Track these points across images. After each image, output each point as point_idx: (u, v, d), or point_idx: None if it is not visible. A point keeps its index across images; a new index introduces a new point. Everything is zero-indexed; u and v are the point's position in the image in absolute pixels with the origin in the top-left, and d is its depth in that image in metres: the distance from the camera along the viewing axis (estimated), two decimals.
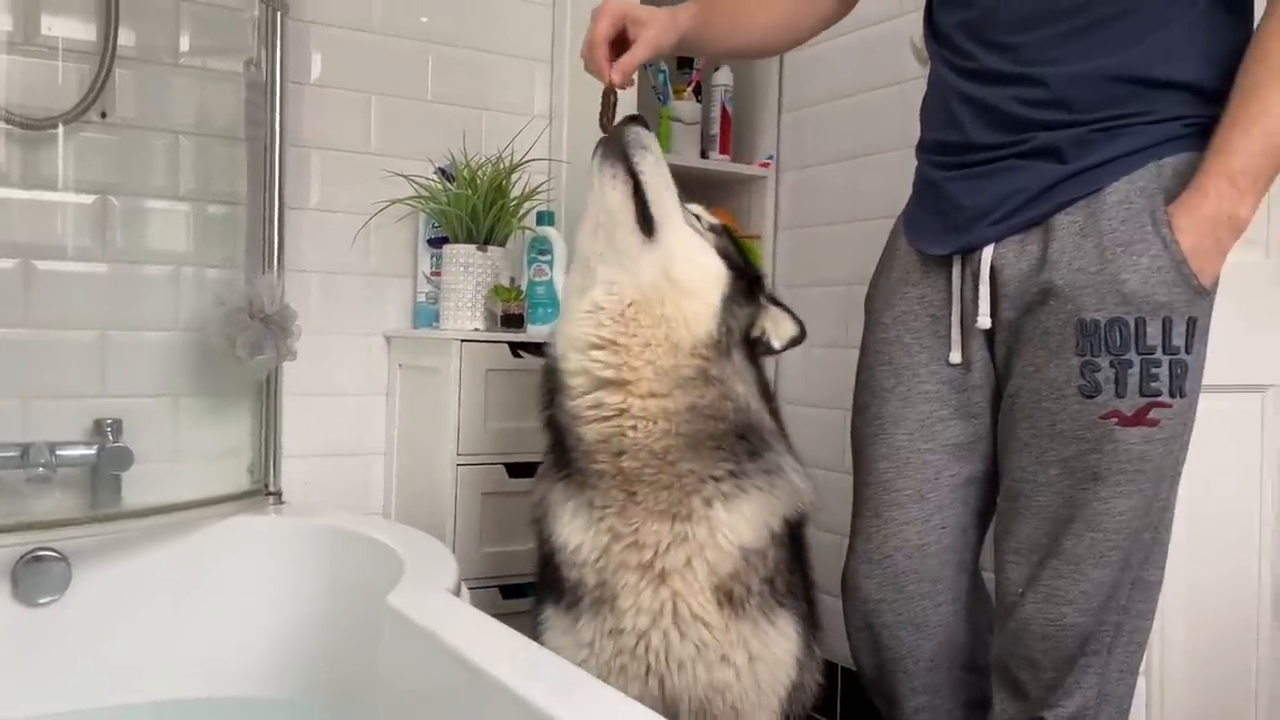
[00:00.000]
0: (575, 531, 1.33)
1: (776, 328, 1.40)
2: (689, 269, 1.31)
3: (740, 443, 1.31)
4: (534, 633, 1.41)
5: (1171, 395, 1.15)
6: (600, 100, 1.38)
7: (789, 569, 1.37)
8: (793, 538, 1.38)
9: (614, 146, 1.32)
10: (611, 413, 1.28)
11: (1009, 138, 1.21)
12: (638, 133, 1.33)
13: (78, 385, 1.83)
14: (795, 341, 1.41)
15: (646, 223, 1.30)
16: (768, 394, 1.41)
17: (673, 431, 1.27)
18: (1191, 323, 1.14)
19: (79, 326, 1.85)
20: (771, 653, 1.33)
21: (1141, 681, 1.65)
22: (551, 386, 1.37)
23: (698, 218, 1.39)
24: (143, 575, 1.70)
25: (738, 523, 1.30)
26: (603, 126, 1.38)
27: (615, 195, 1.30)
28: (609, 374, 1.28)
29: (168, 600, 1.71)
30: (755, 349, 1.39)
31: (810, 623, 1.41)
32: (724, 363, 1.31)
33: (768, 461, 1.33)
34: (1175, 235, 1.13)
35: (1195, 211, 1.12)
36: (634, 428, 1.27)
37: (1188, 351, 1.14)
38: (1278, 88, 1.08)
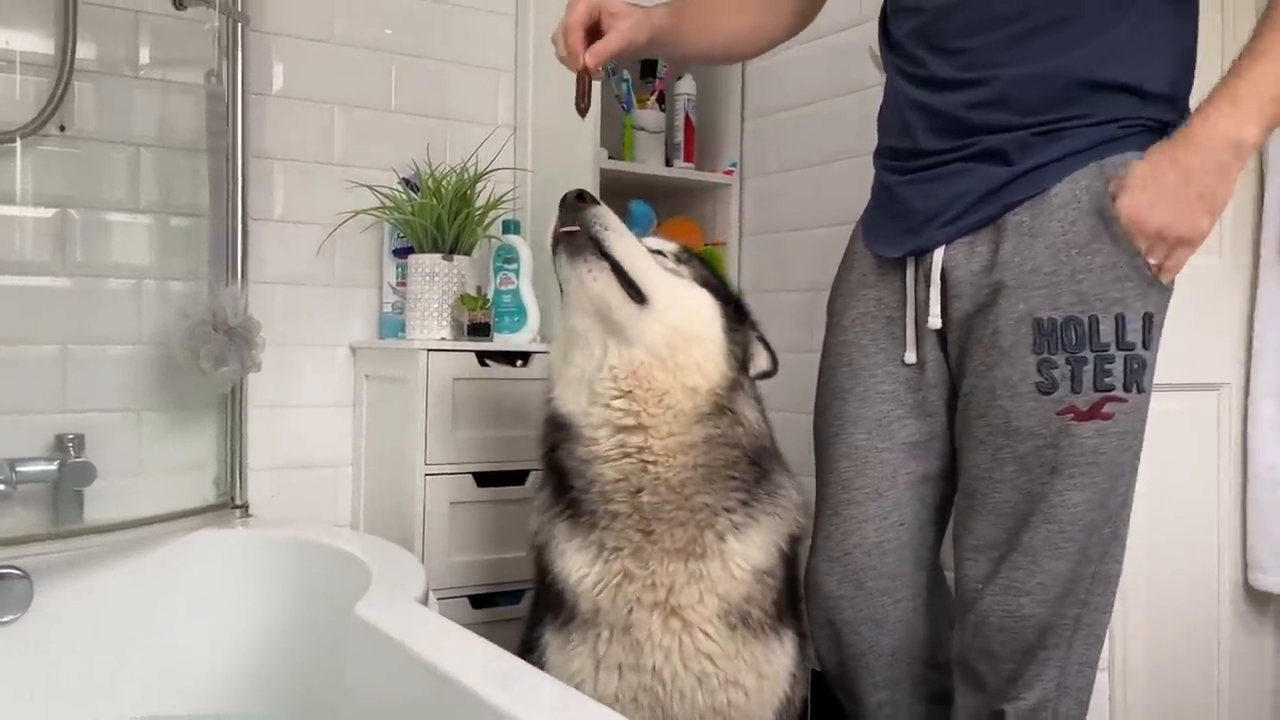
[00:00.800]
0: (581, 567, 1.35)
1: (754, 358, 1.42)
2: (686, 316, 1.33)
3: (752, 468, 1.35)
4: (530, 652, 1.43)
5: (1126, 390, 1.17)
6: (575, 85, 1.40)
7: (792, 585, 1.41)
8: (790, 557, 1.41)
9: (580, 240, 1.30)
10: (633, 451, 1.31)
11: (956, 142, 1.23)
12: (595, 214, 1.31)
13: (38, 400, 1.81)
14: (766, 375, 1.43)
15: (635, 294, 1.30)
16: (766, 414, 1.44)
17: (691, 464, 1.31)
18: (1147, 318, 1.16)
19: (40, 341, 1.83)
20: (775, 670, 1.37)
21: (1104, 676, 1.67)
22: (556, 437, 1.39)
23: (662, 254, 1.40)
24: (108, 591, 1.68)
25: (750, 550, 1.33)
26: (579, 109, 1.39)
27: (599, 285, 1.29)
28: (629, 420, 1.31)
29: (134, 616, 1.69)
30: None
31: (803, 636, 1.45)
32: (736, 392, 1.35)
33: (773, 483, 1.38)
34: (1120, 221, 1.13)
35: (1193, 136, 1.10)
36: (655, 464, 1.30)
37: (1144, 346, 1.16)
38: None
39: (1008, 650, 1.23)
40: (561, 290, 1.37)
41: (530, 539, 1.46)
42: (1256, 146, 1.08)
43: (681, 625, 1.31)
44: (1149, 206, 1.10)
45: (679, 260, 1.40)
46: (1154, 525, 1.76)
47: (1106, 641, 1.65)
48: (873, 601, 1.34)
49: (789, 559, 1.40)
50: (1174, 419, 1.78)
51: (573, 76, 1.41)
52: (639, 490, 1.30)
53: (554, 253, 1.32)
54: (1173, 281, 1.19)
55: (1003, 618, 1.23)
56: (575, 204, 1.31)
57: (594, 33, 1.39)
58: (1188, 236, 1.11)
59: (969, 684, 1.28)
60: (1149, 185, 1.11)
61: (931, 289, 1.27)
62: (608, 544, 1.33)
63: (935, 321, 1.27)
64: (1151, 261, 1.14)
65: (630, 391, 1.30)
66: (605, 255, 1.29)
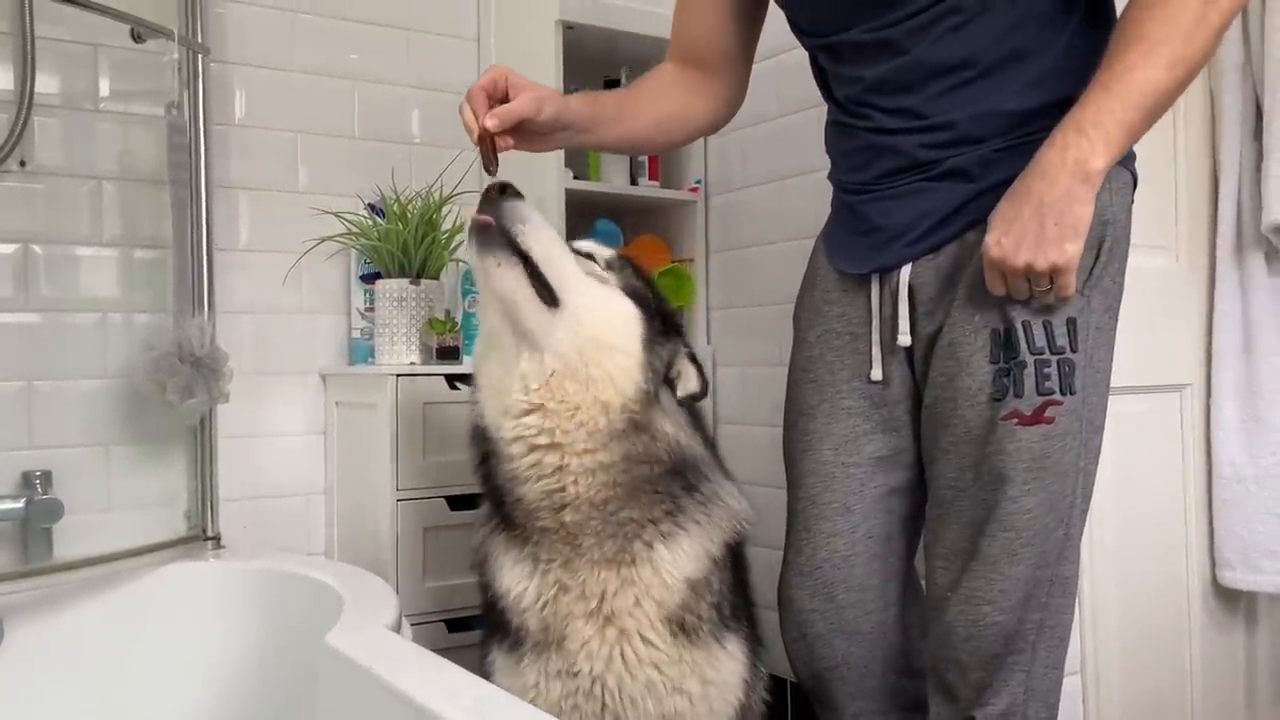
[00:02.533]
0: (520, 581, 1.37)
1: (683, 378, 1.40)
2: (602, 324, 1.31)
3: (676, 479, 1.35)
4: (483, 674, 1.42)
5: (1062, 393, 1.18)
6: (479, 149, 1.33)
7: (733, 591, 1.41)
8: (734, 559, 1.42)
9: (491, 231, 1.28)
10: (550, 471, 1.31)
11: (916, 169, 1.26)
12: (513, 206, 1.29)
13: (3, 437, 1.80)
14: (695, 398, 1.40)
15: (548, 294, 1.29)
16: (698, 424, 1.43)
17: (611, 483, 1.31)
18: (1070, 323, 1.18)
19: (4, 378, 1.82)
20: (722, 676, 1.37)
21: (1076, 678, 1.69)
22: (484, 448, 1.39)
23: (591, 257, 1.38)
24: (79, 629, 1.67)
25: (679, 558, 1.34)
26: (486, 169, 1.33)
27: (508, 280, 1.28)
28: (543, 439, 1.30)
29: (106, 652, 1.68)
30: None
31: (754, 641, 1.45)
32: (653, 408, 1.33)
33: (703, 493, 1.37)
34: (992, 215, 1.15)
35: (1042, 162, 1.12)
36: (574, 483, 1.30)
37: (1073, 350, 1.18)
38: (1138, 52, 1.10)
39: (975, 659, 1.24)
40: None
41: (472, 556, 1.47)
42: (1104, 173, 1.11)
43: (619, 634, 1.33)
44: (1012, 248, 1.13)
45: (609, 267, 1.38)
46: (1122, 526, 1.78)
47: (1077, 643, 1.67)
48: (844, 614, 1.35)
49: (734, 564, 1.40)
50: (1138, 421, 1.80)
51: None
52: (562, 507, 1.31)
53: (468, 243, 1.31)
54: (1102, 287, 1.21)
55: (968, 627, 1.24)
56: (494, 196, 1.29)
57: (503, 103, 1.32)
58: (1059, 265, 1.13)
59: (940, 693, 1.29)
60: (1010, 226, 1.13)
61: (900, 306, 1.28)
62: (541, 557, 1.34)
63: (905, 339, 1.29)
64: (1037, 290, 1.15)
65: (542, 405, 1.29)
66: (518, 251, 1.28)
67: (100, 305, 1.93)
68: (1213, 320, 1.91)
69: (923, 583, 1.38)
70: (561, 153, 2.10)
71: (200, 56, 1.94)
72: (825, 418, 1.36)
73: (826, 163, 1.43)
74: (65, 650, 1.65)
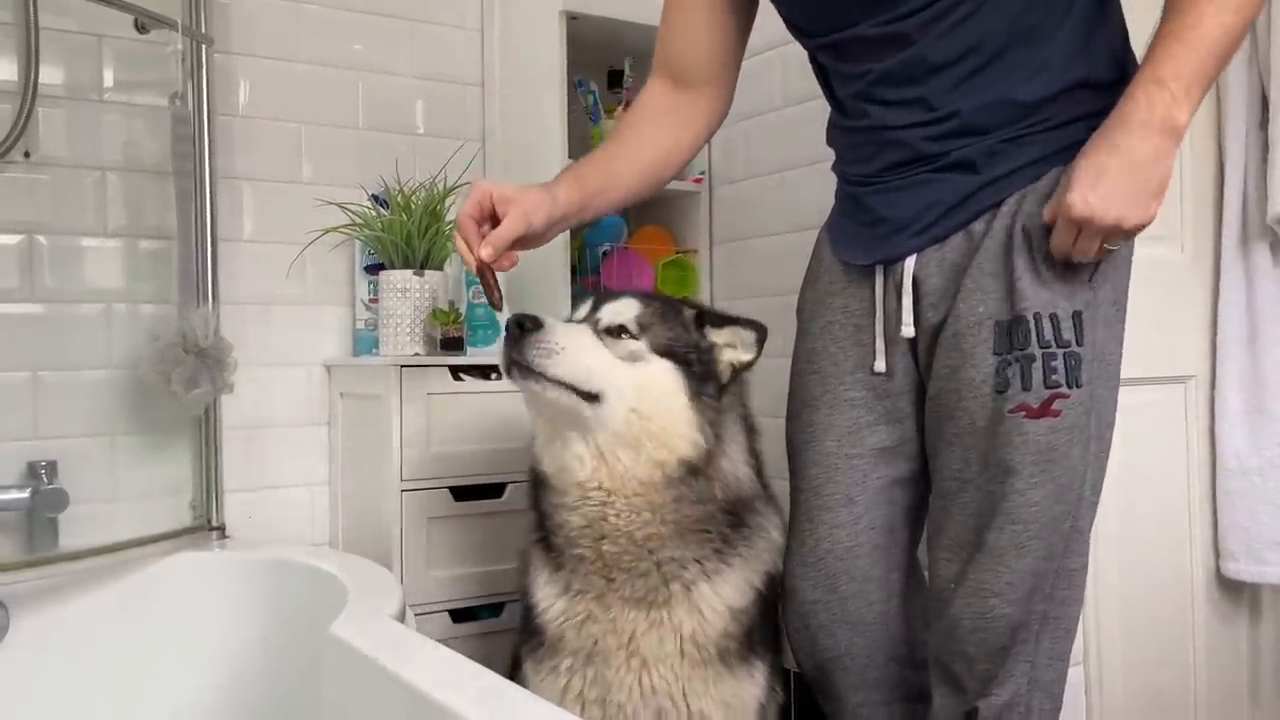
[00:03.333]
0: (551, 600, 1.40)
1: (737, 347, 1.42)
2: (644, 398, 1.33)
3: (727, 518, 1.37)
4: (517, 669, 1.48)
5: (1069, 386, 1.18)
6: (480, 281, 1.36)
7: (765, 620, 1.42)
8: (770, 586, 1.43)
9: (525, 371, 1.31)
10: (596, 504, 1.34)
11: (922, 161, 1.25)
12: (535, 342, 1.31)
13: (9, 428, 1.81)
14: (760, 342, 1.43)
15: (590, 397, 1.32)
16: (751, 440, 1.46)
17: (657, 520, 1.33)
18: (1076, 316, 1.18)
19: (9, 368, 1.83)
20: (743, 701, 1.38)
21: (1079, 669, 1.69)
22: (536, 483, 1.44)
23: (623, 329, 1.37)
24: (85, 618, 1.68)
25: (723, 589, 1.36)
26: (491, 304, 1.39)
27: (550, 401, 1.33)
28: (595, 484, 1.34)
29: (111, 642, 1.68)
30: (737, 384, 1.43)
31: (778, 668, 1.47)
32: (712, 455, 1.35)
33: (750, 526, 1.40)
34: (1071, 171, 1.13)
35: (1128, 120, 1.11)
36: (617, 515, 1.33)
37: (1079, 343, 1.18)
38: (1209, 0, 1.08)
39: (981, 651, 1.24)
40: None
41: (519, 555, 1.51)
42: (1186, 128, 1.10)
43: (642, 664, 1.35)
44: (1100, 205, 1.10)
45: (641, 328, 1.38)
46: (1126, 517, 1.78)
47: (1081, 634, 1.67)
48: (847, 605, 1.36)
49: (765, 595, 1.41)
50: (1143, 412, 1.80)
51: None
52: (602, 537, 1.34)
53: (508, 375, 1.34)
54: (1110, 280, 1.21)
55: (974, 619, 1.24)
56: (516, 333, 1.31)
57: (496, 222, 1.33)
58: (1144, 222, 1.12)
59: (945, 684, 1.29)
60: (1097, 183, 1.11)
61: (904, 298, 1.28)
62: (574, 585, 1.37)
63: (909, 331, 1.29)
64: (1109, 248, 1.14)
65: (596, 468, 1.34)
66: (554, 380, 1.31)
67: (105, 296, 1.93)
68: (1217, 311, 1.90)
69: (926, 574, 1.38)
70: (565, 144, 2.10)
71: (204, 47, 1.94)
72: (828, 409, 1.36)
73: (830, 154, 1.43)
74: (70, 640, 1.66)
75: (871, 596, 1.36)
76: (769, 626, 1.44)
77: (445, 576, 1.96)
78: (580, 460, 1.34)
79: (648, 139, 1.48)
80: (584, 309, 1.45)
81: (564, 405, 1.32)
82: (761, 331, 1.43)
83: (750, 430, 1.46)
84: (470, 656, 1.17)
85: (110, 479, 1.90)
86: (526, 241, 1.34)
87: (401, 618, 1.40)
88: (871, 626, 1.36)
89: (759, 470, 1.46)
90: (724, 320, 1.45)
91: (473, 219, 1.32)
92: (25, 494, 1.71)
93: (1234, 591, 1.94)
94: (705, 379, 1.38)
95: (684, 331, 1.41)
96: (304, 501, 2.16)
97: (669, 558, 1.34)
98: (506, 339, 1.32)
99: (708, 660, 1.35)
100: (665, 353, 1.37)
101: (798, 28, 1.37)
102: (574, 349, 1.33)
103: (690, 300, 1.49)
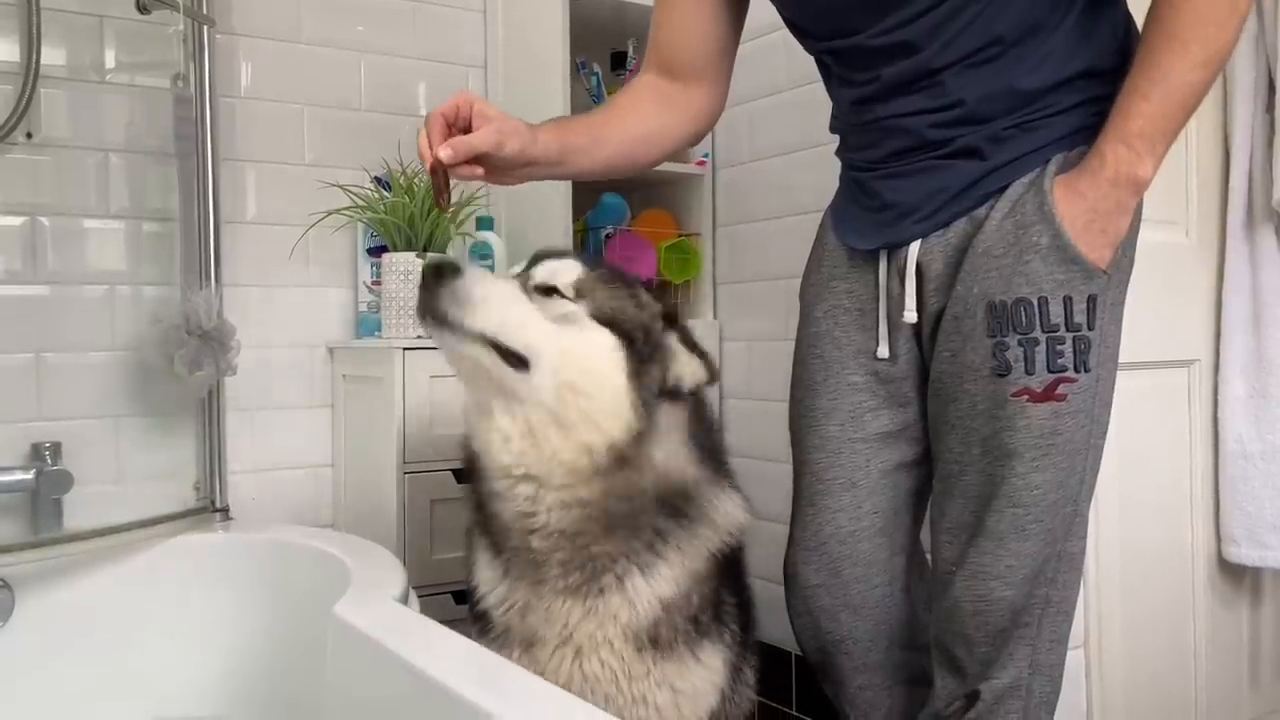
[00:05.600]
0: (490, 584, 1.34)
1: (680, 376, 1.30)
2: (578, 369, 1.22)
3: (662, 508, 1.28)
4: None
5: (1076, 370, 1.18)
6: (431, 180, 1.25)
7: (716, 599, 1.34)
8: (728, 562, 1.36)
9: (439, 323, 1.21)
10: (524, 499, 1.26)
11: (928, 148, 1.24)
12: (451, 291, 1.20)
13: (13, 409, 1.81)
14: (707, 383, 1.32)
15: (515, 358, 1.22)
16: (702, 418, 1.35)
17: (586, 517, 1.25)
18: (1091, 300, 1.17)
19: (12, 350, 1.83)
20: (693, 685, 1.31)
21: (1079, 652, 1.69)
22: (469, 461, 1.36)
23: (555, 289, 1.26)
24: (89, 599, 1.68)
25: (656, 583, 1.28)
26: (438, 204, 1.28)
27: (469, 362, 1.23)
28: (521, 471, 1.25)
29: (115, 623, 1.69)
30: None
31: (738, 645, 1.38)
32: (644, 441, 1.24)
33: (690, 516, 1.30)
34: (1055, 205, 1.16)
35: (1096, 175, 1.15)
36: (548, 511, 1.25)
37: (1089, 328, 1.18)
38: (1172, 53, 1.10)
39: (982, 634, 1.25)
40: None
41: (465, 534, 1.45)
42: (1150, 180, 1.15)
43: (577, 652, 1.28)
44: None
45: (578, 294, 1.26)
46: (1128, 501, 1.78)
47: (1081, 617, 1.68)
48: (849, 589, 1.35)
49: (715, 572, 1.33)
50: (1146, 396, 1.80)
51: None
52: (532, 532, 1.26)
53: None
54: (1117, 267, 1.21)
55: (975, 603, 1.24)
56: (431, 284, 1.20)
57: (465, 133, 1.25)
58: (1095, 268, 1.17)
59: (946, 667, 1.30)
60: (1061, 225, 1.16)
61: (907, 283, 1.27)
62: (511, 571, 1.31)
63: (911, 316, 1.28)
64: None
65: (525, 450, 1.24)
66: (474, 335, 1.21)
67: (108, 278, 1.93)
68: (1222, 295, 1.90)
69: (928, 557, 1.38)
70: None
71: (206, 28, 1.93)
72: (831, 393, 1.35)
73: (834, 137, 1.42)
74: (75, 620, 1.66)
75: (874, 580, 1.36)
76: (729, 604, 1.36)
77: (448, 559, 1.97)
78: (505, 439, 1.24)
79: (641, 113, 1.43)
80: (520, 267, 1.34)
81: (485, 366, 1.22)
82: (710, 375, 1.32)
83: (699, 416, 1.35)
84: (472, 638, 1.17)
85: (114, 460, 1.91)
86: (492, 169, 1.26)
87: (404, 599, 1.41)
88: (874, 610, 1.37)
89: (713, 453, 1.35)
90: (693, 344, 1.33)
91: (444, 117, 1.23)
92: (29, 475, 1.71)
93: (1235, 576, 1.95)
94: (648, 362, 1.26)
95: (634, 308, 1.28)
96: (307, 483, 2.17)
97: (601, 552, 1.25)
98: (420, 286, 1.22)
99: (643, 648, 1.28)
100: (607, 322, 1.25)
101: (799, 28, 1.36)
102: (495, 301, 1.22)
103: (670, 305, 1.35)
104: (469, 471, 1.38)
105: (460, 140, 1.21)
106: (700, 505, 1.31)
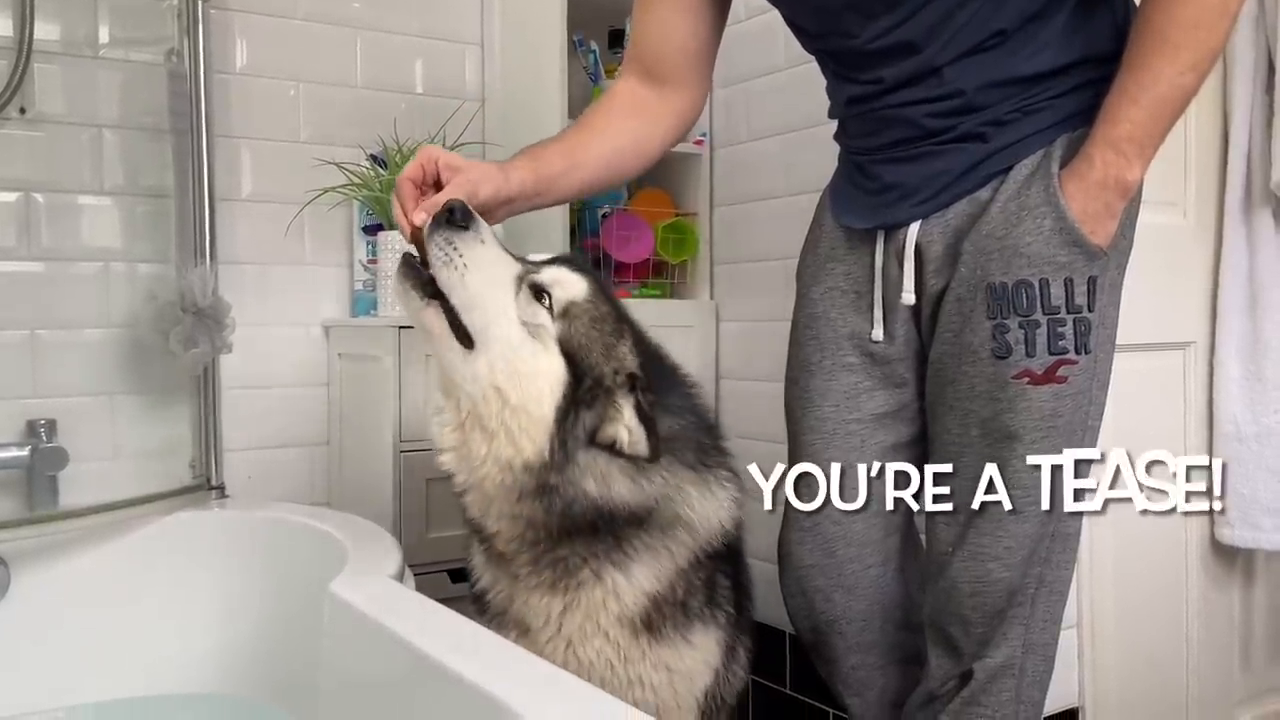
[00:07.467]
0: (481, 569, 1.35)
1: (621, 436, 1.22)
2: (512, 377, 1.19)
3: (610, 526, 1.23)
4: None
5: (1077, 352, 1.18)
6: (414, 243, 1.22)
7: (709, 585, 1.33)
8: (727, 547, 1.35)
9: (413, 270, 1.20)
10: (475, 511, 1.26)
11: (929, 137, 1.24)
12: (440, 243, 1.17)
13: (8, 386, 1.81)
14: (646, 460, 1.22)
15: (464, 336, 1.20)
16: (694, 406, 1.33)
17: (523, 538, 1.24)
18: (1092, 282, 1.18)
19: (7, 326, 1.83)
20: (686, 666, 1.32)
21: (1073, 633, 1.70)
22: None
23: (547, 294, 1.22)
24: (85, 575, 1.68)
25: (636, 578, 1.26)
26: (425, 264, 1.20)
27: (425, 319, 1.21)
28: (458, 480, 1.25)
29: (111, 599, 1.69)
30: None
31: (732, 628, 1.37)
32: (565, 471, 1.20)
33: (658, 519, 1.26)
34: (1066, 201, 1.16)
35: (1084, 178, 1.15)
36: (497, 520, 1.25)
37: (1090, 310, 1.18)
38: (1163, 57, 1.11)
39: (978, 614, 1.25)
40: None
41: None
42: (1138, 183, 1.16)
43: (568, 643, 1.28)
44: None
45: (563, 314, 1.23)
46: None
47: (1074, 598, 1.68)
48: (843, 569, 1.36)
49: (704, 562, 1.31)
50: (1141, 378, 1.80)
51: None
52: (494, 533, 1.26)
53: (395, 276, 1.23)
54: (1116, 248, 1.21)
55: (973, 583, 1.24)
56: (444, 216, 1.16)
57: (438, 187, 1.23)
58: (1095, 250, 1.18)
59: (941, 646, 1.30)
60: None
61: (905, 264, 1.27)
62: (491, 561, 1.32)
63: (909, 298, 1.28)
64: None
65: (455, 449, 1.24)
66: (437, 294, 1.19)
67: (103, 255, 1.93)
68: (1219, 277, 1.90)
69: (922, 538, 1.38)
70: (565, 103, 2.08)
71: (201, 3, 1.91)
72: (827, 375, 1.35)
73: (833, 119, 1.42)
74: (71, 596, 1.67)
75: (868, 560, 1.36)
76: (724, 587, 1.36)
77: (443, 537, 1.97)
78: (440, 426, 1.24)
79: (615, 128, 1.41)
80: (540, 257, 1.31)
81: (435, 333, 1.20)
82: (652, 455, 1.23)
83: (693, 402, 1.34)
84: (468, 616, 1.17)
85: (110, 438, 1.91)
86: None
87: (400, 577, 1.41)
88: (868, 590, 1.37)
89: (700, 450, 1.31)
90: (647, 417, 1.22)
91: (412, 182, 1.22)
92: (25, 452, 1.72)
93: (1227, 557, 1.96)
94: (585, 408, 1.21)
95: (600, 353, 1.23)
96: (303, 461, 2.17)
97: (568, 553, 1.24)
98: (432, 223, 1.17)
99: (638, 633, 1.28)
100: (568, 353, 1.22)
101: (798, 27, 1.35)
102: (476, 270, 1.18)
103: (665, 357, 1.33)
104: None
105: (433, 202, 1.19)
106: (666, 516, 1.27)
